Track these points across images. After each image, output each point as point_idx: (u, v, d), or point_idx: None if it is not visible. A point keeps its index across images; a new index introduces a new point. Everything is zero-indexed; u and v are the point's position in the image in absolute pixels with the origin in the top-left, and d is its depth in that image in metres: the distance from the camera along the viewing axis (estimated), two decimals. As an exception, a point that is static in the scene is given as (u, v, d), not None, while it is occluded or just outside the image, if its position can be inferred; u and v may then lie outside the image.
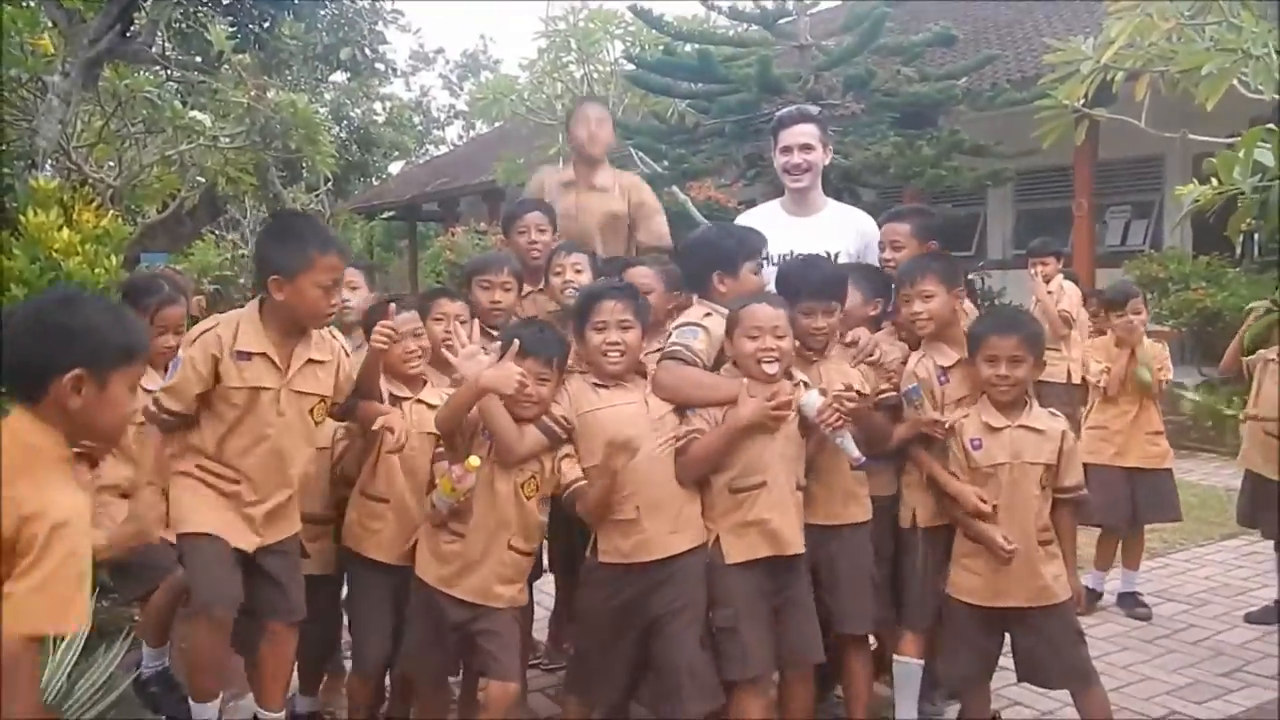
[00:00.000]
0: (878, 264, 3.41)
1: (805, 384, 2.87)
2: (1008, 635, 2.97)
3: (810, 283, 2.98)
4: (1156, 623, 4.24)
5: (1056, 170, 11.15)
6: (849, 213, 3.68)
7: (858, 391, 2.91)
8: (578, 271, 3.40)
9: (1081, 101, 3.36)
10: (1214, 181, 1.97)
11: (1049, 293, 6.61)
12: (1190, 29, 3.11)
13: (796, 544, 2.80)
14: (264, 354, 2.63)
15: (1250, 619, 4.22)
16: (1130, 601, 4.39)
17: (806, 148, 3.53)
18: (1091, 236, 10.97)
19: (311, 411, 2.73)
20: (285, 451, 2.68)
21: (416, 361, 3.00)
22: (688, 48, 9.21)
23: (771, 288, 3.21)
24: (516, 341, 2.74)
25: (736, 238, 3.14)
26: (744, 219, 3.77)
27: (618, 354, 2.78)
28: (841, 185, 9.02)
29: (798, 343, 2.93)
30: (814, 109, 3.84)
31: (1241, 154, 1.76)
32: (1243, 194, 1.76)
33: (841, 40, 8.71)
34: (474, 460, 2.66)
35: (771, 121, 3.74)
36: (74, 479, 1.68)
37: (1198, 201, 2.02)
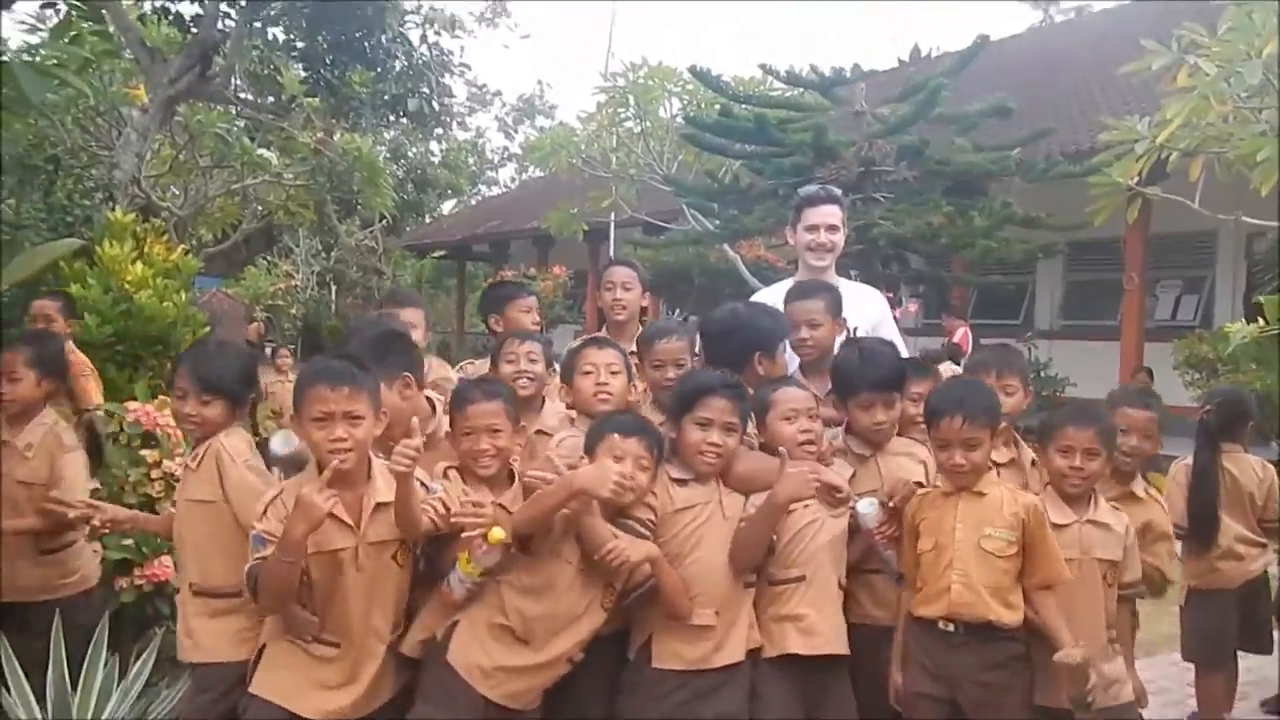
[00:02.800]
0: (889, 338, 3.34)
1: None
2: None
3: (869, 374, 2.86)
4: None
5: (1107, 242, 11.14)
6: (861, 290, 3.74)
7: (918, 483, 2.80)
8: (532, 361, 3.09)
9: (1135, 179, 3.40)
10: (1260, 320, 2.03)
11: None
12: (1247, 111, 3.15)
13: (834, 643, 2.66)
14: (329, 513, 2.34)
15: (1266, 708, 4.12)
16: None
17: (832, 229, 3.60)
18: (1142, 311, 10.90)
19: (395, 558, 2.48)
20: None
21: (489, 461, 2.57)
22: (743, 109, 9.35)
23: (792, 368, 3.21)
24: (614, 435, 2.54)
25: (773, 318, 3.08)
26: (760, 296, 3.79)
27: (715, 456, 2.61)
28: (891, 252, 9.08)
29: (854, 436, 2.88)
30: (838, 190, 3.86)
31: None
32: None
33: (897, 108, 8.80)
34: (498, 532, 2.40)
35: (796, 198, 3.79)
36: None
37: (1245, 339, 2.09)
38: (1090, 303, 12.59)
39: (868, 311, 3.53)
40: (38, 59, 2.19)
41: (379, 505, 2.43)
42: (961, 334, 10.28)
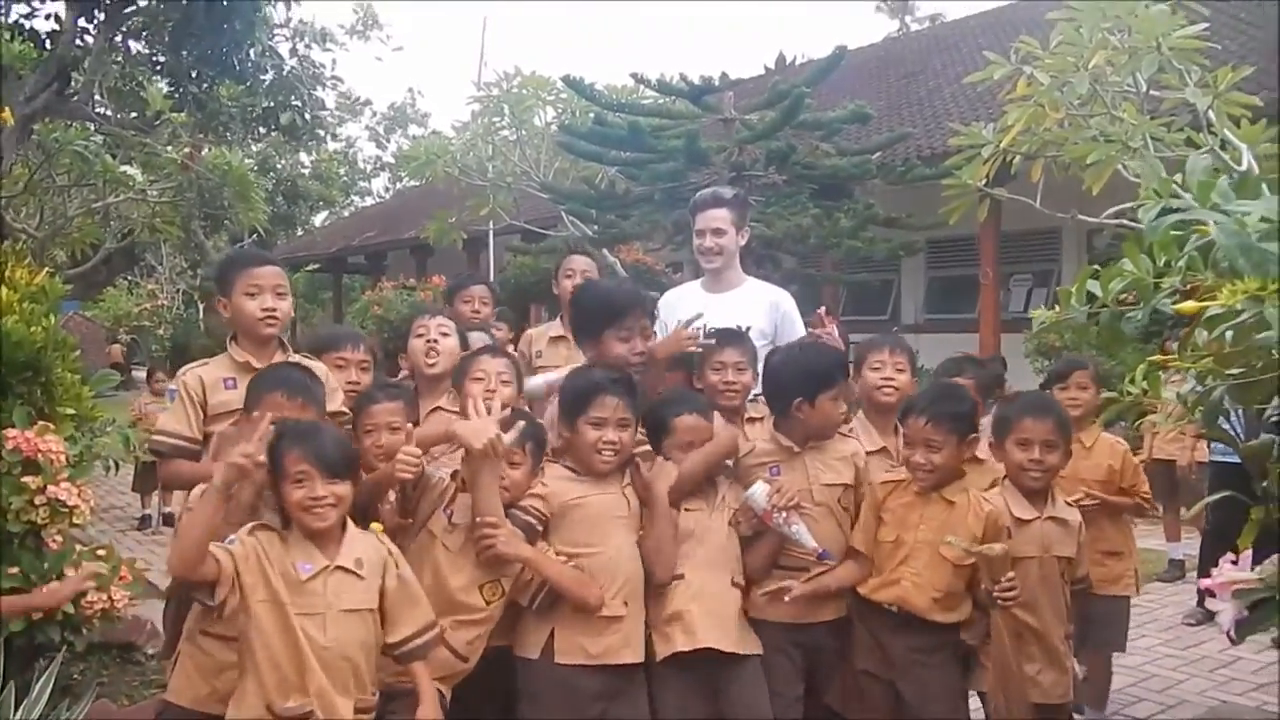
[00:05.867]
0: (797, 336, 3.53)
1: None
2: None
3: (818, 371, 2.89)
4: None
5: (964, 240, 11.76)
6: (765, 289, 3.81)
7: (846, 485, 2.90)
8: (444, 335, 3.27)
9: (984, 181, 3.65)
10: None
11: None
12: (1079, 118, 3.44)
13: (721, 640, 2.67)
14: None
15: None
16: None
17: (718, 232, 3.69)
18: (996, 304, 11.54)
19: None
20: None
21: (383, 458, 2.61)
22: (617, 117, 9.52)
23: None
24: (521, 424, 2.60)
25: (627, 296, 3.12)
26: (665, 297, 3.93)
27: (611, 453, 2.67)
28: (764, 253, 9.37)
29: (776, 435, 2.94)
30: (727, 193, 3.95)
31: (1075, 288, 2.12)
32: (1074, 320, 2.14)
33: (765, 115, 9.11)
34: (376, 526, 2.48)
35: (692, 199, 3.91)
36: None
37: (1044, 323, 2.36)
38: (951, 297, 13.25)
39: (774, 303, 3.68)
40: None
41: None
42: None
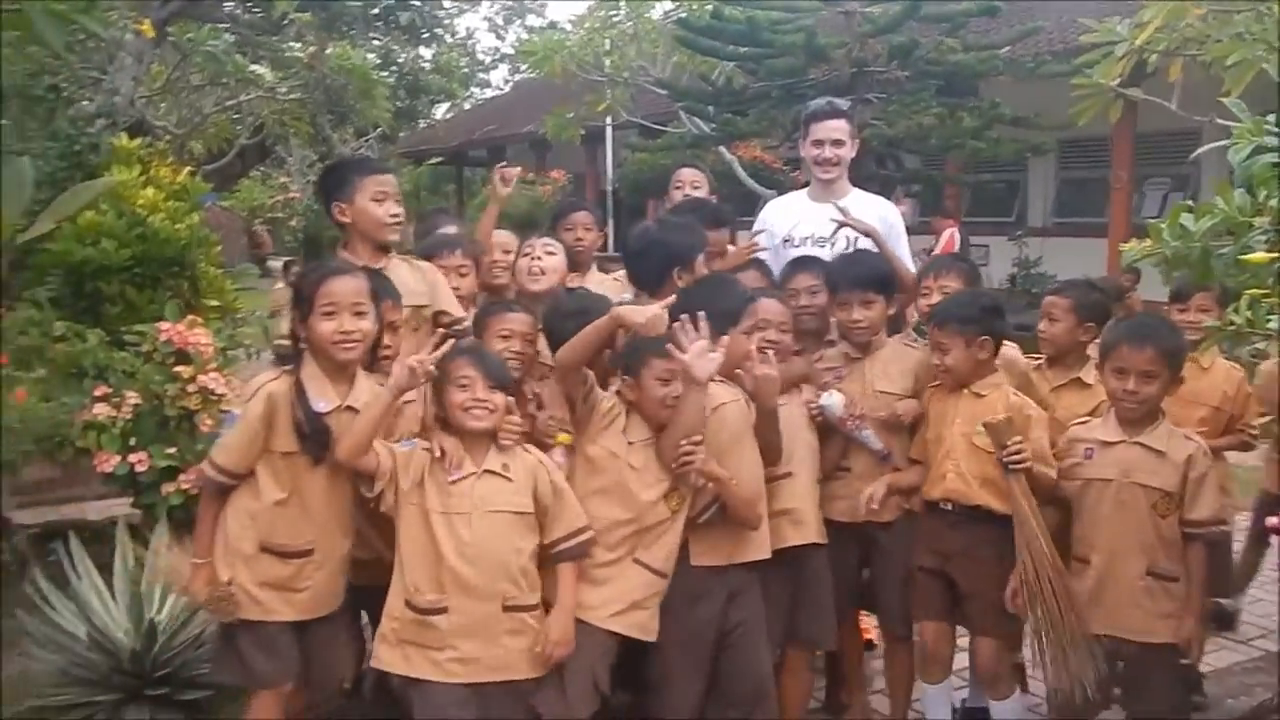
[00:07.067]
0: (903, 248, 3.56)
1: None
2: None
3: (849, 275, 3.07)
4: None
5: (1098, 140, 11.16)
6: (871, 201, 3.77)
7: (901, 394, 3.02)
8: (550, 253, 3.33)
9: (1117, 80, 3.49)
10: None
11: None
12: (1222, 14, 3.24)
13: (819, 533, 2.90)
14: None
15: None
16: None
17: (837, 143, 3.67)
18: (1129, 208, 11.00)
19: None
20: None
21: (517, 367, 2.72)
22: (735, 10, 9.29)
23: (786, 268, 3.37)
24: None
25: (689, 232, 3.12)
26: (770, 206, 3.95)
27: (769, 355, 2.74)
28: (885, 151, 9.15)
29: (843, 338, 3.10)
30: (843, 104, 3.94)
31: (1166, 224, 2.09)
32: (1166, 255, 2.10)
33: (887, 7, 8.76)
34: (564, 436, 2.56)
35: (804, 112, 3.86)
36: None
37: (1136, 258, 2.32)
38: (1082, 200, 12.66)
39: (881, 217, 3.62)
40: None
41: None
42: (948, 235, 10.33)
